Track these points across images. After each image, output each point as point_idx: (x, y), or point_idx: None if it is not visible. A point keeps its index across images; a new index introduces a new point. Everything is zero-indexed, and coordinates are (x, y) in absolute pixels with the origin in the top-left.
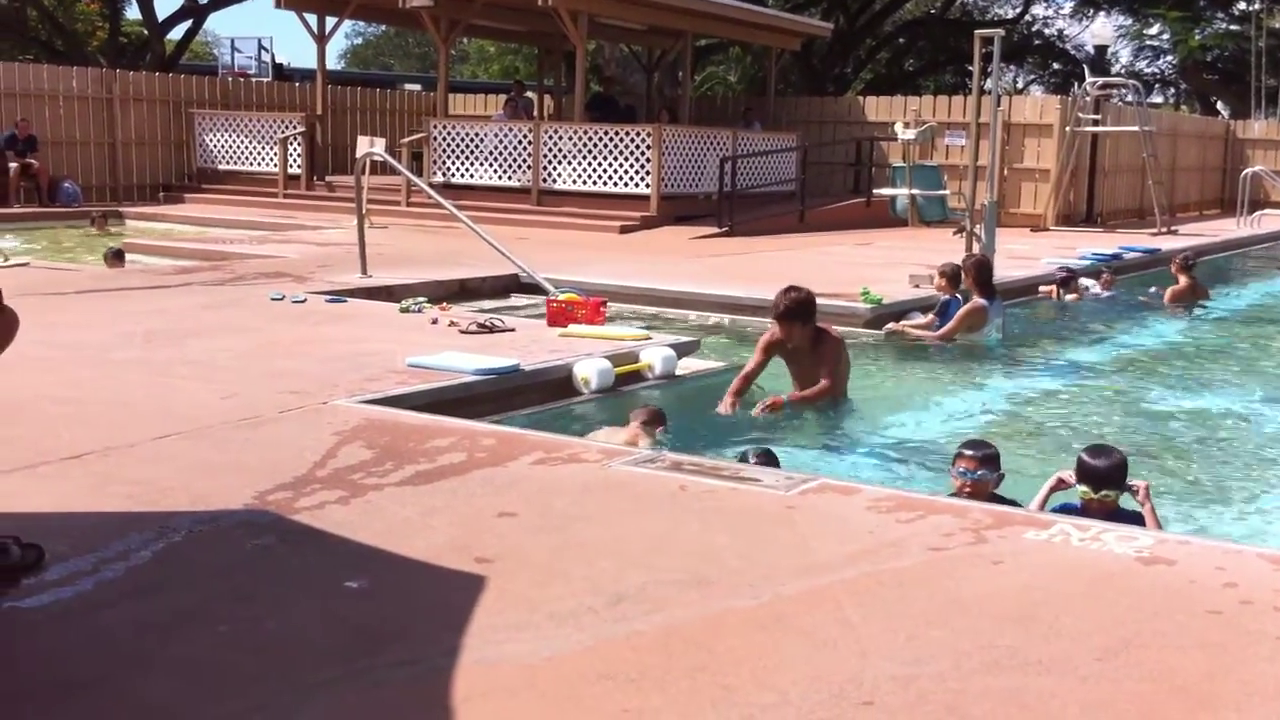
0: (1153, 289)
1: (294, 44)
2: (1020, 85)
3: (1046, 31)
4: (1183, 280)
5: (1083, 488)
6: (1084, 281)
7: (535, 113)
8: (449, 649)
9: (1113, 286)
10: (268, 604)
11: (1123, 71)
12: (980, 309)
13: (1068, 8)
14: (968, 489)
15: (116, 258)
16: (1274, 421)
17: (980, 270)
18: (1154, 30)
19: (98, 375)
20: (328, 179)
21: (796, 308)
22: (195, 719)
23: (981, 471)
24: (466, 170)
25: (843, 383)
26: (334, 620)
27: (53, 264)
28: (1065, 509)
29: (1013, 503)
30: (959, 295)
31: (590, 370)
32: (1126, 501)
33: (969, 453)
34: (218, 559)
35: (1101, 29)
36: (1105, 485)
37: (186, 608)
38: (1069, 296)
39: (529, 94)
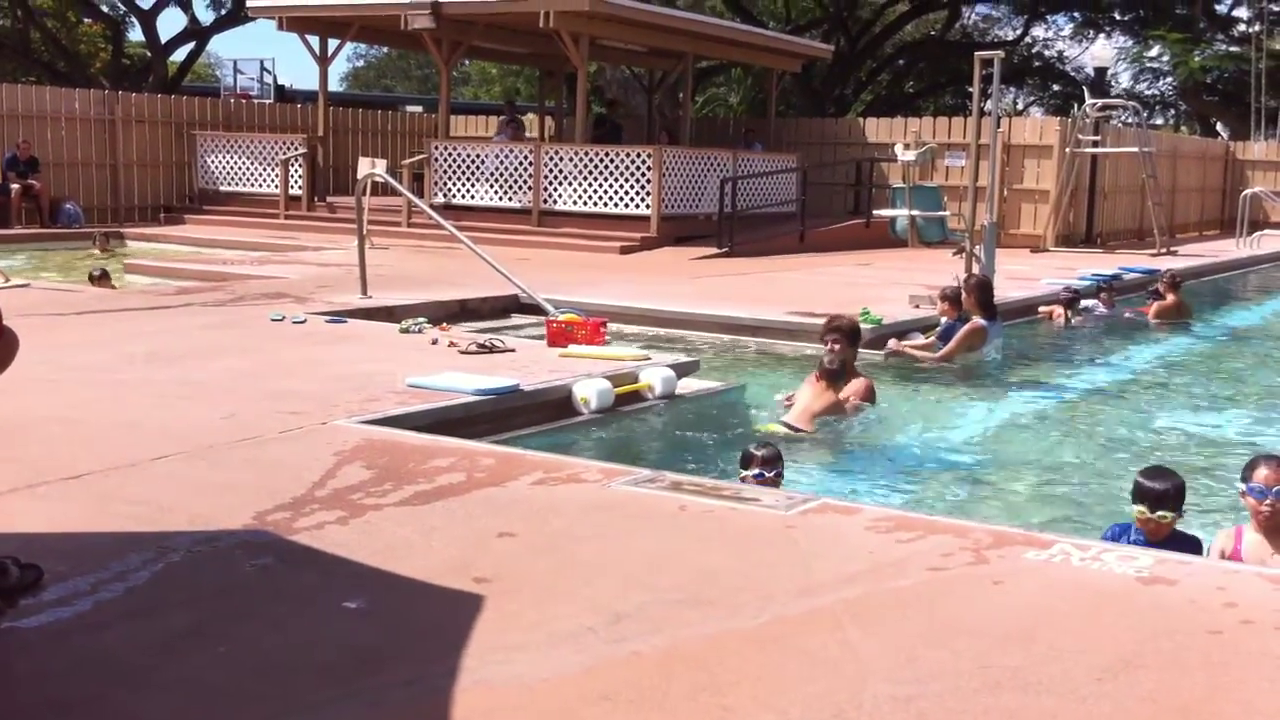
0: (1148, 304)
1: (296, 66)
2: (1020, 107)
3: (1046, 53)
4: (1170, 298)
5: (1139, 507)
6: (1086, 302)
7: (535, 134)
8: (448, 669)
9: (1113, 305)
10: (267, 624)
11: (1123, 93)
12: (980, 329)
13: (1068, 30)
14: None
15: (103, 278)
16: (1266, 439)
17: (981, 290)
18: (1154, 52)
19: (98, 395)
20: (329, 200)
21: (850, 326)
22: None
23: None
24: (467, 191)
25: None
26: (333, 640)
27: (54, 284)
28: (1120, 530)
29: (1194, 540)
30: (961, 318)
31: (590, 390)
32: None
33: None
34: (217, 579)
35: (1101, 51)
36: (1161, 506)
37: (185, 628)
38: (1075, 319)
39: (520, 116)
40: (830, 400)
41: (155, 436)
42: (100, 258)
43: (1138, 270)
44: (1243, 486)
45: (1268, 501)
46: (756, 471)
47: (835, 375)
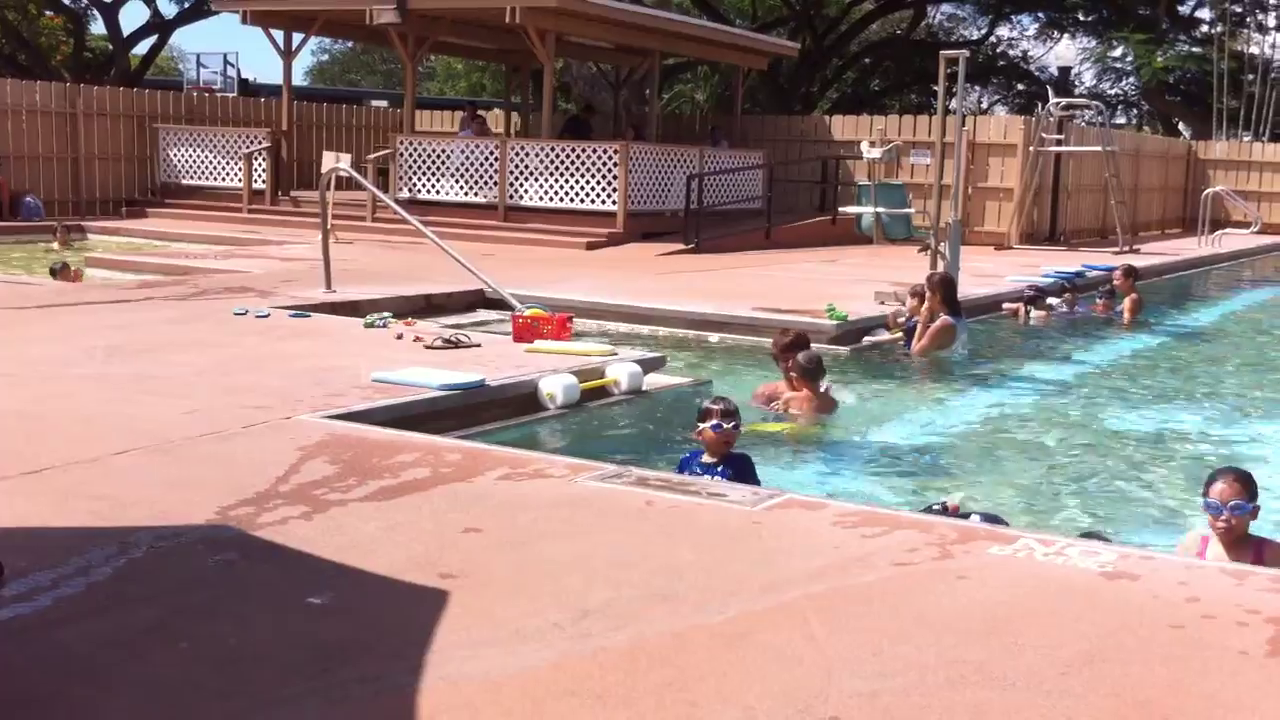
0: (1099, 301)
1: (260, 60)
2: (985, 105)
3: (1011, 53)
4: (1134, 294)
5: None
6: (1051, 300)
7: (496, 129)
8: (412, 665)
9: (1077, 304)
10: (229, 620)
11: (1086, 93)
12: (950, 327)
13: (1032, 30)
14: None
15: (64, 270)
16: (1230, 436)
17: (945, 288)
18: (1117, 52)
19: (58, 390)
20: (293, 194)
21: (804, 337)
22: None
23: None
24: (433, 186)
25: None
26: (296, 636)
27: (13, 278)
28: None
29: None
30: (933, 317)
31: (556, 386)
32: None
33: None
34: (179, 575)
35: (1065, 51)
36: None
37: (147, 624)
38: (1036, 314)
39: (480, 114)
40: (814, 400)
41: (117, 431)
42: (60, 251)
43: (1100, 268)
44: (1202, 501)
45: (1223, 517)
46: (715, 423)
47: (816, 373)
